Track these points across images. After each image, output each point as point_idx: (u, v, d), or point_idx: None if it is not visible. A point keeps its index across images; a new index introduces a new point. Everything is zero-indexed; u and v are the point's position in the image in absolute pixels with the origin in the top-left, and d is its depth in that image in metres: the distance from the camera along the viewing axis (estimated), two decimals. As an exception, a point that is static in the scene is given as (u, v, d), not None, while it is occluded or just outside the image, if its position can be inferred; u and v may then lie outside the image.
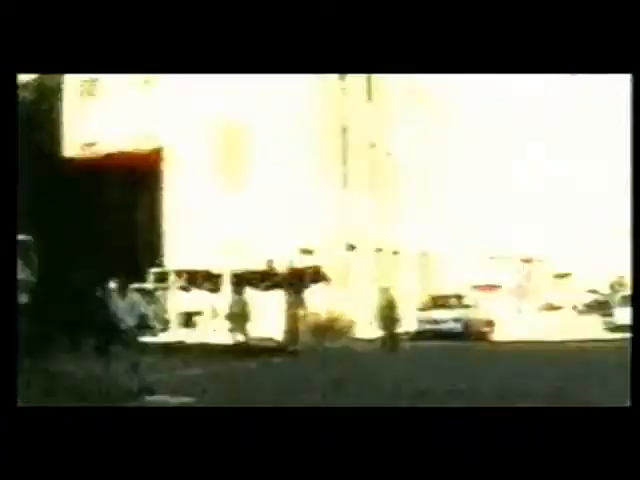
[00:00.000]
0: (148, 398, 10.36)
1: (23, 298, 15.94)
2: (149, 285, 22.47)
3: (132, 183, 25.78)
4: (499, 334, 27.23)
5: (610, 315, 28.93)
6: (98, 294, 18.10)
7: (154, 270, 23.16)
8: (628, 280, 28.65)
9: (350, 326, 24.98)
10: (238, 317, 18.45)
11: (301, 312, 20.51)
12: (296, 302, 20.35)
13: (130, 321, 12.89)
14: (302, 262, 21.85)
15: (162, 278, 22.78)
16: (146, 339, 18.10)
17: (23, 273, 15.85)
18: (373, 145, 28.77)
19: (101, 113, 27.11)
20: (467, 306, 26.19)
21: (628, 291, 24.91)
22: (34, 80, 28.52)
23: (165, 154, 26.35)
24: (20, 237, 16.40)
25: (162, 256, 25.20)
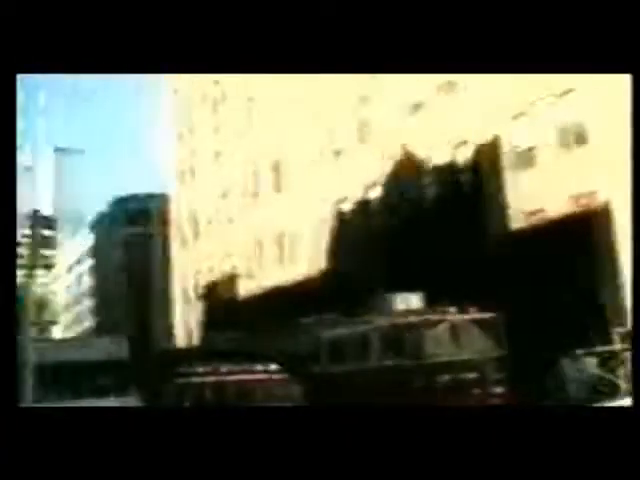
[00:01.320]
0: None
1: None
2: (614, 347, 21.25)
3: (574, 244, 24.89)
4: None
5: None
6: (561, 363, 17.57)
7: (618, 330, 21.84)
8: None
9: None
10: None
11: None
12: None
13: (579, 386, 12.17)
14: None
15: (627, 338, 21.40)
16: (607, 403, 17.00)
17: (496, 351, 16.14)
18: None
19: (537, 179, 26.99)
20: None
21: None
22: (474, 154, 29.59)
23: (606, 211, 25.05)
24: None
25: (625, 315, 23.66)
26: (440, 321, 16.66)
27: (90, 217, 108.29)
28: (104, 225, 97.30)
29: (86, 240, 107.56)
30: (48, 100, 75.52)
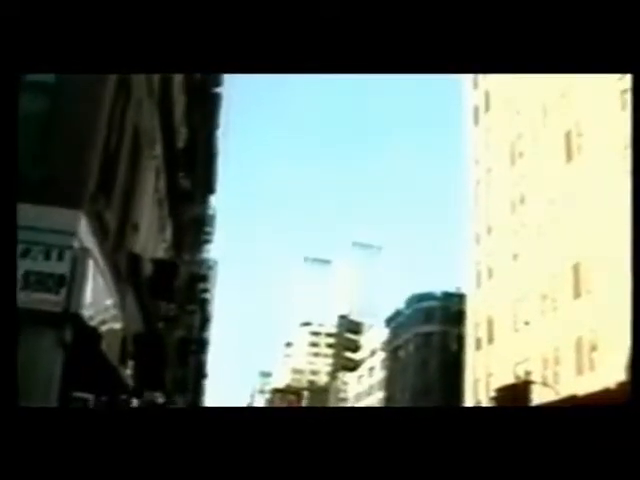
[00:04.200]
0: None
1: None
2: None
3: None
4: None
5: None
6: None
7: None
8: None
9: None
10: None
11: None
12: None
13: None
14: None
15: None
16: None
17: None
18: None
19: None
20: None
21: None
22: None
23: None
24: None
25: None
26: None
27: (386, 312, 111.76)
28: (399, 321, 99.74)
29: (380, 334, 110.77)
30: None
